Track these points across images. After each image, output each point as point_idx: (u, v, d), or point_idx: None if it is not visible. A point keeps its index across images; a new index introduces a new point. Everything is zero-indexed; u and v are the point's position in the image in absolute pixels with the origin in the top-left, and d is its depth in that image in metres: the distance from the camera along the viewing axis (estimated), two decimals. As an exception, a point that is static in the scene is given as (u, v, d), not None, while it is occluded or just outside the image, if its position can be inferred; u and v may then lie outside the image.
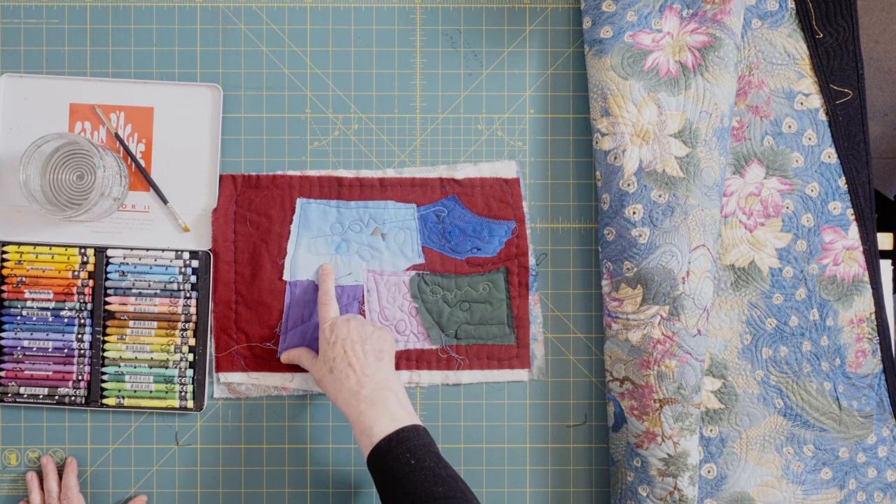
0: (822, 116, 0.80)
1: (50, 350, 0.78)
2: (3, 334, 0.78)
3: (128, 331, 0.78)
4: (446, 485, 0.63)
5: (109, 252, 0.78)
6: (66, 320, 0.78)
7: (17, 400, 0.78)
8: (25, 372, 0.78)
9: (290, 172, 0.80)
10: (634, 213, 0.74)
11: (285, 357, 0.77)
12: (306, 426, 0.79)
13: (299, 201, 0.79)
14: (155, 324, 0.78)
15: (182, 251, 0.79)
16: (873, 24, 1.48)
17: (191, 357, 0.78)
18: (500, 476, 0.80)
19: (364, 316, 0.79)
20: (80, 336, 0.78)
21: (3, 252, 0.78)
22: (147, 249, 0.79)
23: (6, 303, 0.78)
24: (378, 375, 0.69)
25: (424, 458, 0.64)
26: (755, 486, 0.78)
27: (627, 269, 0.74)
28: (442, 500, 0.61)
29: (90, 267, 0.78)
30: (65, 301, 0.78)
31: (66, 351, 0.78)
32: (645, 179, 0.74)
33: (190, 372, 0.78)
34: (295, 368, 0.79)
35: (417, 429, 0.66)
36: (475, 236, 0.80)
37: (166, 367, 0.78)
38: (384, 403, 0.67)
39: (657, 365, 0.72)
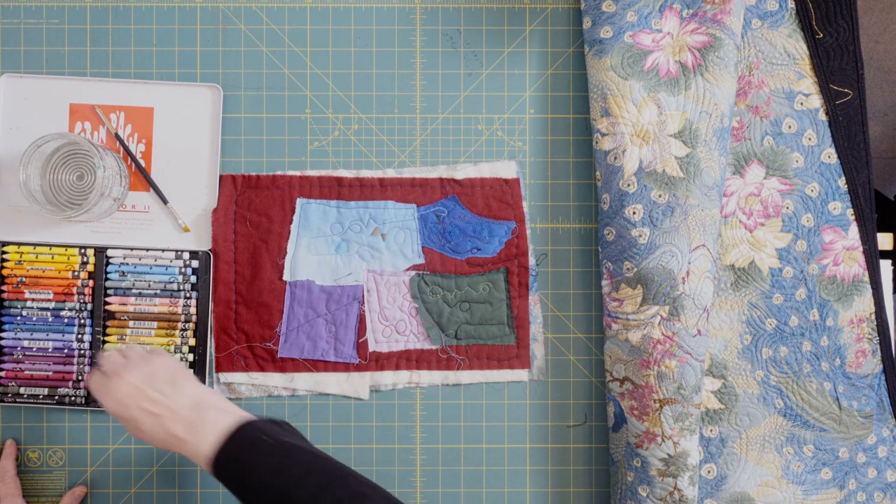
0: (822, 116, 0.80)
1: (50, 350, 0.78)
2: (3, 334, 0.78)
3: (128, 331, 0.78)
4: (303, 458, 0.59)
5: (109, 252, 0.78)
6: (66, 320, 0.78)
7: (17, 400, 0.77)
8: (25, 372, 0.78)
9: (290, 172, 0.80)
10: (634, 213, 0.74)
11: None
12: (306, 426, 0.79)
13: (299, 201, 0.79)
14: (155, 324, 0.78)
15: (182, 251, 0.79)
16: (873, 24, 1.48)
17: (191, 357, 0.78)
18: (500, 476, 0.80)
19: (364, 315, 0.79)
20: (80, 336, 0.78)
21: (3, 252, 0.78)
22: (147, 249, 0.79)
23: (6, 303, 0.78)
24: (183, 399, 0.63)
25: (273, 436, 0.61)
26: (755, 487, 0.78)
27: (627, 269, 0.74)
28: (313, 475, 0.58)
29: (90, 267, 0.78)
30: (65, 301, 0.78)
31: (66, 351, 0.78)
32: (645, 179, 0.74)
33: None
34: (295, 368, 0.79)
35: (254, 421, 0.62)
36: (475, 236, 0.80)
37: (166, 367, 0.78)
38: (205, 421, 0.62)
39: (657, 365, 0.72)
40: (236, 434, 0.61)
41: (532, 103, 0.81)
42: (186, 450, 0.62)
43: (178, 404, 0.63)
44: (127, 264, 0.78)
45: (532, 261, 0.80)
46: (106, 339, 0.78)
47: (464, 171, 0.80)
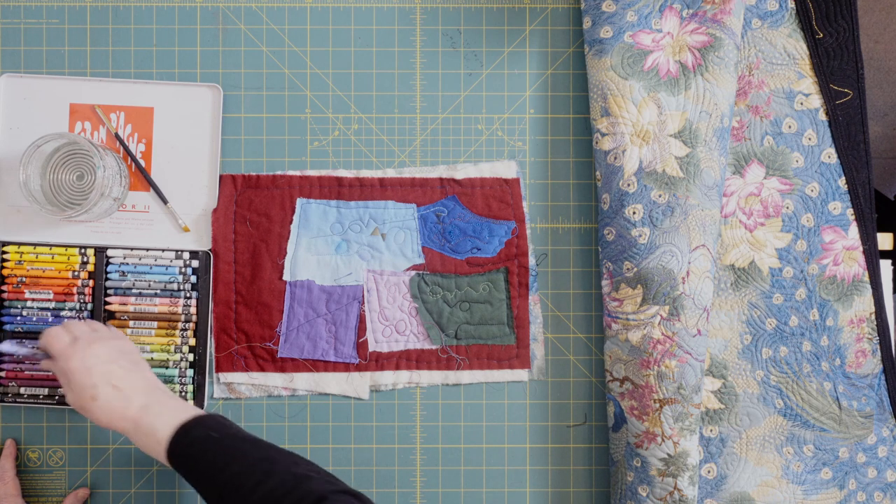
0: (822, 116, 0.80)
1: (50, 350, 0.78)
2: (4, 334, 0.78)
3: (128, 331, 0.78)
4: (260, 447, 0.62)
5: (109, 252, 0.78)
6: (66, 320, 0.78)
7: (17, 400, 0.77)
8: (25, 372, 0.78)
9: (290, 172, 0.80)
10: (634, 213, 0.74)
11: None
12: (306, 426, 0.79)
13: (299, 201, 0.79)
14: (155, 324, 0.78)
15: (182, 251, 0.79)
16: (873, 24, 1.48)
17: (191, 357, 0.79)
18: (500, 476, 0.80)
19: (364, 315, 0.79)
20: (80, 336, 0.78)
21: (3, 252, 0.78)
22: (147, 249, 0.79)
23: (6, 303, 0.78)
24: (141, 383, 0.66)
25: (227, 429, 0.63)
26: (755, 486, 0.78)
27: (627, 269, 0.74)
28: (263, 462, 0.60)
29: (90, 267, 0.78)
30: (65, 301, 0.78)
31: (66, 351, 0.78)
32: (645, 179, 0.74)
33: (190, 372, 0.78)
34: (295, 368, 0.79)
35: (210, 414, 0.65)
36: (475, 236, 0.80)
37: (166, 367, 0.78)
38: (159, 404, 0.65)
39: (657, 365, 0.72)
40: (189, 426, 0.63)
41: (532, 103, 0.81)
42: (137, 430, 0.63)
43: (137, 385, 0.66)
44: (127, 264, 0.78)
45: (532, 261, 0.80)
46: (106, 339, 0.78)
47: (464, 171, 0.80)
